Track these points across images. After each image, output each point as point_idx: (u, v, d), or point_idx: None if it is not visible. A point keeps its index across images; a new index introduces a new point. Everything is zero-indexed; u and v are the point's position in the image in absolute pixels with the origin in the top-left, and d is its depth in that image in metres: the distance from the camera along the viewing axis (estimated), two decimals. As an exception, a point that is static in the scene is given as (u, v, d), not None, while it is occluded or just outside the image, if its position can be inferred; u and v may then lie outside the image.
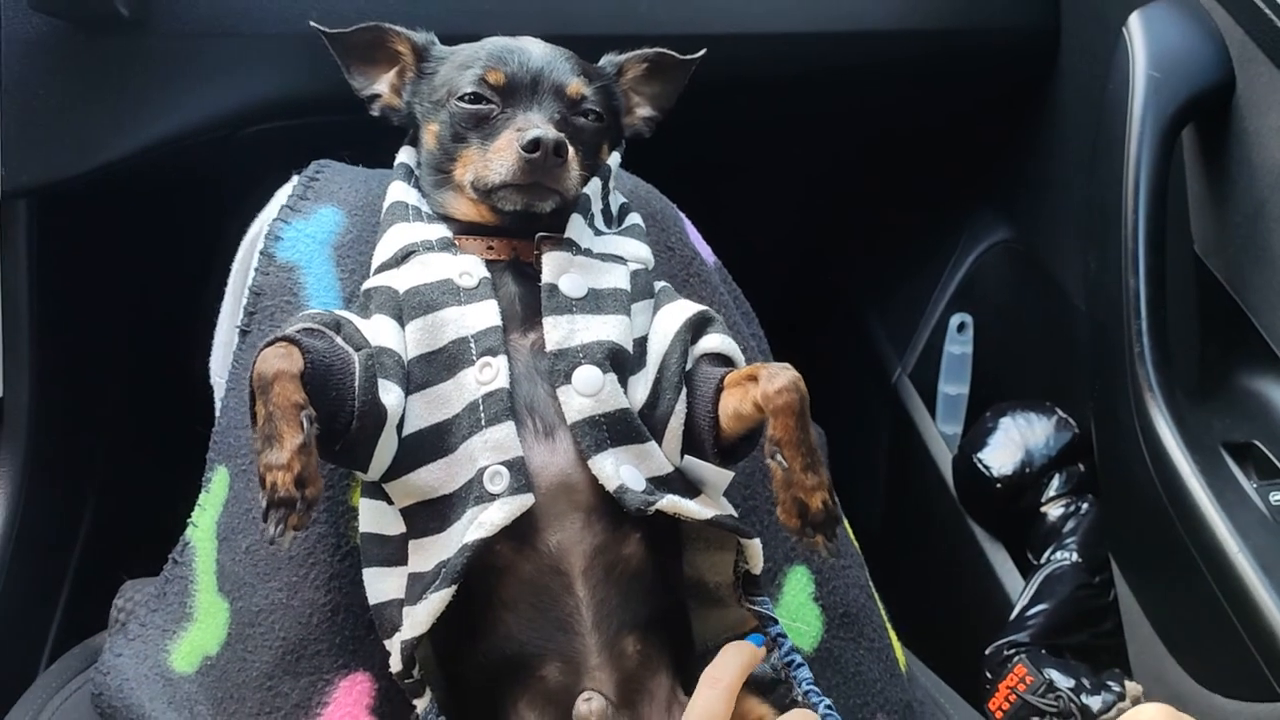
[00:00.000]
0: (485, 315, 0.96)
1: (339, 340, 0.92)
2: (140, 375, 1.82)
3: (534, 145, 0.95)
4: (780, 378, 0.89)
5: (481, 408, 0.92)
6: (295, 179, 1.20)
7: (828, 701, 0.92)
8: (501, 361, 0.94)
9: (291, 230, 1.14)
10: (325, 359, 0.88)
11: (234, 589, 1.05)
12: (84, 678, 1.21)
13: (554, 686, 0.93)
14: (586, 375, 0.94)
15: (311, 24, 1.10)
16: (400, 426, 0.93)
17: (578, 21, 1.54)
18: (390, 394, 0.91)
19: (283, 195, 1.18)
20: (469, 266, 0.99)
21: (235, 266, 1.20)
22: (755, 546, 0.96)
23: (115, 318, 1.77)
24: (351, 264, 1.12)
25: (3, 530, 1.41)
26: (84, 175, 1.38)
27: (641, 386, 0.97)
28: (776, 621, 0.99)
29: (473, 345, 0.95)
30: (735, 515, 0.99)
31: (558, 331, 0.96)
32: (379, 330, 0.95)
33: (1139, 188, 1.38)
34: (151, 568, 1.22)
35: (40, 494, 1.48)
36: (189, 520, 1.11)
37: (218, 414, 1.14)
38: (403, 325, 0.96)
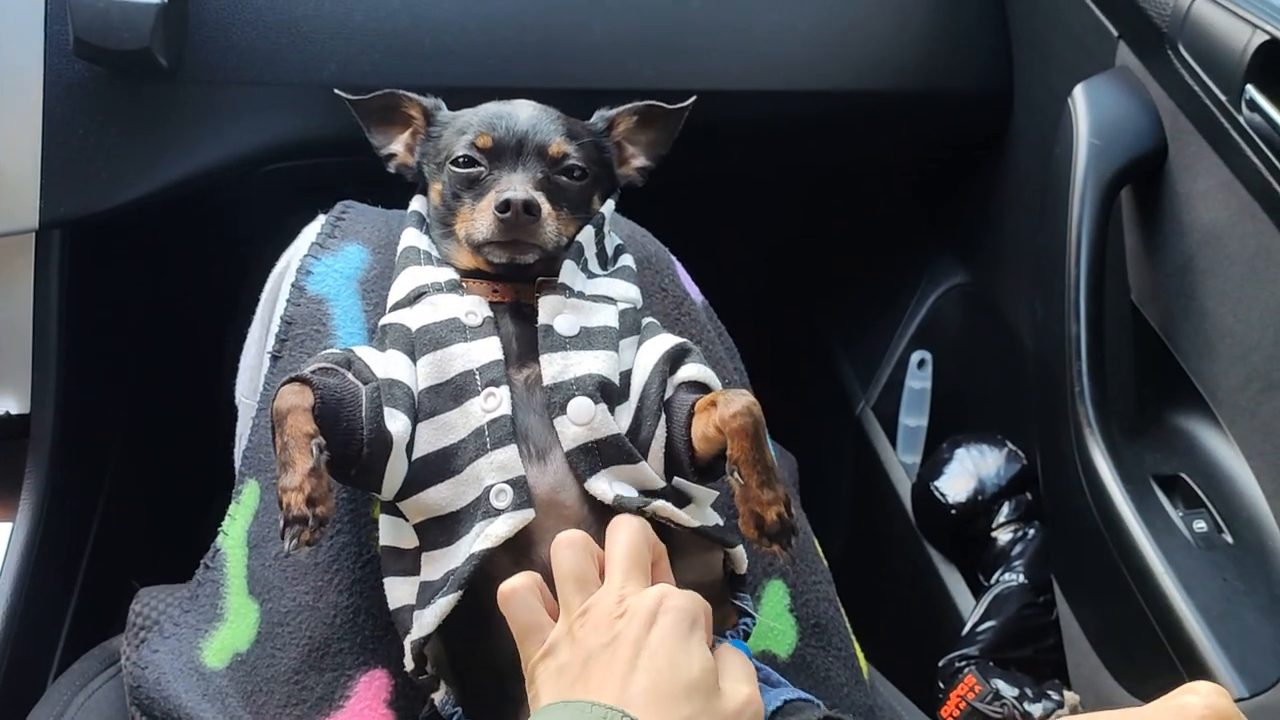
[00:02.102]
0: (489, 350, 1.04)
1: (350, 376, 1.00)
2: (152, 393, 1.87)
3: (505, 206, 1.02)
4: (735, 403, 0.96)
5: (487, 433, 1.00)
6: (322, 218, 1.27)
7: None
8: (504, 391, 1.01)
9: (321, 265, 1.21)
10: (337, 394, 0.97)
11: (264, 592, 1.12)
12: (104, 677, 1.26)
13: None
14: (580, 406, 1.01)
15: (336, 90, 1.19)
16: (410, 451, 1.00)
17: (569, 77, 1.62)
18: (397, 422, 0.99)
19: (311, 232, 1.26)
20: (474, 306, 1.07)
21: (264, 296, 1.27)
22: (739, 553, 1.05)
23: (136, 339, 1.82)
24: (375, 298, 1.19)
25: (27, 538, 1.46)
26: (115, 208, 1.44)
27: (625, 416, 1.04)
28: (752, 616, 1.07)
29: (478, 377, 1.02)
30: (721, 524, 1.07)
31: (553, 367, 1.03)
32: (392, 364, 1.03)
33: (1081, 242, 1.45)
34: (157, 575, 1.28)
35: (59, 504, 1.53)
36: (220, 529, 1.17)
37: (248, 432, 1.21)
38: (414, 360, 1.04)
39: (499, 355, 1.04)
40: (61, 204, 1.41)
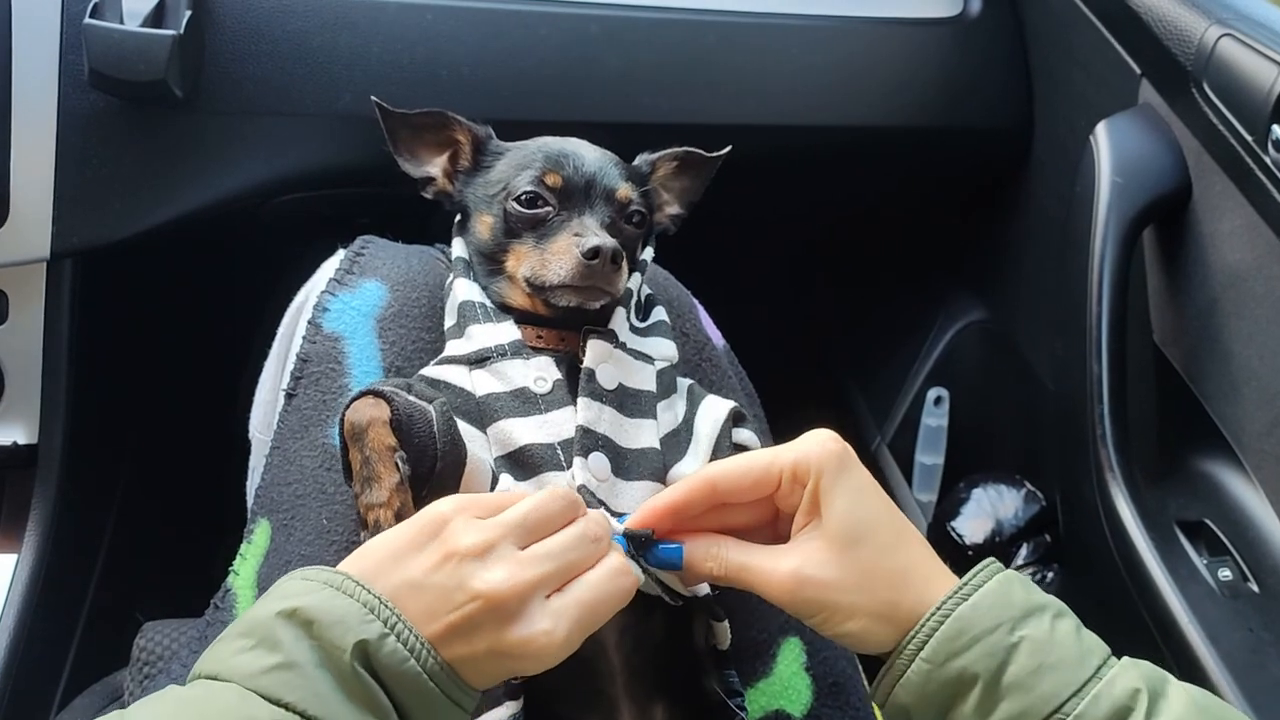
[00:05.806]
0: (565, 424, 1.00)
1: (412, 397, 0.97)
2: (161, 425, 1.86)
3: (594, 253, 0.99)
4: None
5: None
6: (341, 253, 1.24)
7: None
8: (595, 459, 0.98)
9: (338, 302, 1.18)
10: (407, 410, 0.94)
11: (271, 635, 1.11)
12: (107, 714, 1.28)
13: None
14: (599, 460, 0.98)
15: (373, 99, 1.13)
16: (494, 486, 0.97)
17: (586, 110, 1.61)
18: (475, 444, 0.96)
19: (329, 268, 1.23)
20: (542, 370, 1.03)
21: (280, 331, 1.24)
22: (723, 628, 1.02)
23: (146, 370, 1.80)
24: (393, 336, 1.16)
25: (33, 569, 1.44)
26: (128, 239, 1.43)
27: (691, 460, 1.02)
28: (741, 695, 1.05)
29: (559, 452, 0.98)
30: (713, 594, 1.03)
31: (589, 412, 1.00)
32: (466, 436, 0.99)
33: (1103, 281, 1.44)
34: (162, 609, 1.27)
35: (65, 536, 1.51)
36: (231, 568, 1.15)
37: (260, 468, 1.17)
38: (481, 429, 1.00)
39: (572, 433, 1.00)
40: (74, 234, 1.40)
